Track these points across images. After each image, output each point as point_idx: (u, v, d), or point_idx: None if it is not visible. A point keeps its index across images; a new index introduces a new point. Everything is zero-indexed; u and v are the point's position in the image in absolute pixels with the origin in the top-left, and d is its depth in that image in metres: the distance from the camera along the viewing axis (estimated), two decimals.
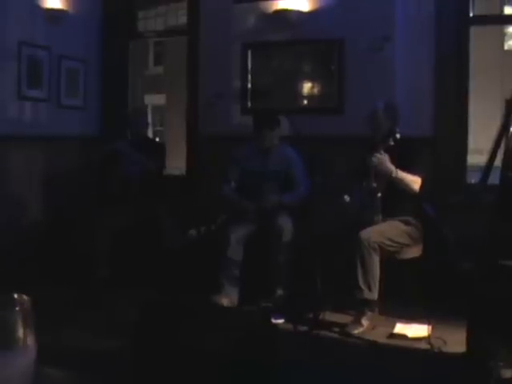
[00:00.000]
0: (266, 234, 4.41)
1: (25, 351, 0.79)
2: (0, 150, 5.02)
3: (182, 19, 6.21)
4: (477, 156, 5.77)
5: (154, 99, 18.85)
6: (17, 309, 0.80)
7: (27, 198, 5.36)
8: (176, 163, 6.31)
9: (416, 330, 3.79)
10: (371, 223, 3.99)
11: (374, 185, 4.00)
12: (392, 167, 3.92)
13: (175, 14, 6.71)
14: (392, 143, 3.97)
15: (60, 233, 5.36)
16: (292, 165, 4.57)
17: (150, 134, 5.84)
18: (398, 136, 3.94)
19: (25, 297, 0.80)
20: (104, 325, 3.95)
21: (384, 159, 3.92)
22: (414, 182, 3.97)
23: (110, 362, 3.27)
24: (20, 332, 0.79)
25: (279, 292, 4.33)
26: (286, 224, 4.35)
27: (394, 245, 4.00)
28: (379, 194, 3.99)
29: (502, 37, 17.11)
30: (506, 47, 17.35)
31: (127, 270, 4.70)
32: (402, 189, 3.98)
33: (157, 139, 8.79)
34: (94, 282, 4.63)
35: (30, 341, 0.80)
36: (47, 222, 5.48)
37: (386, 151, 3.95)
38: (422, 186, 4.00)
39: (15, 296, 0.81)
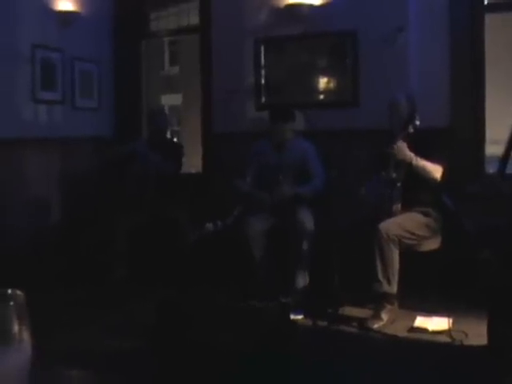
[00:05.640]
0: (285, 228, 4.39)
1: (20, 347, 0.77)
2: (16, 153, 5.05)
3: (194, 19, 6.20)
4: (494, 146, 5.69)
5: (170, 99, 18.88)
6: (11, 304, 0.78)
7: (44, 199, 5.38)
8: (193, 161, 6.32)
9: (436, 323, 3.75)
10: (390, 214, 3.94)
11: (394, 175, 3.96)
12: (411, 155, 3.88)
13: (187, 14, 6.69)
14: (412, 130, 3.93)
15: (77, 233, 5.38)
16: (307, 158, 4.55)
17: (168, 133, 5.83)
18: (417, 123, 3.90)
19: (19, 292, 0.79)
20: (122, 324, 3.97)
21: (403, 147, 3.88)
22: (435, 170, 3.92)
23: (128, 361, 3.29)
24: (15, 328, 0.78)
25: (299, 286, 4.31)
26: (306, 218, 4.34)
27: (414, 237, 3.96)
28: (399, 184, 3.95)
29: None
30: None
31: (145, 269, 4.71)
32: (422, 179, 3.93)
33: (175, 139, 8.78)
34: (112, 281, 4.65)
35: (26, 336, 0.78)
36: (64, 222, 5.50)
37: (406, 139, 3.91)
38: (443, 176, 3.95)
39: (9, 291, 0.79)
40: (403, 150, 3.88)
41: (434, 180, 3.94)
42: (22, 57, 5.10)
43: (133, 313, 4.13)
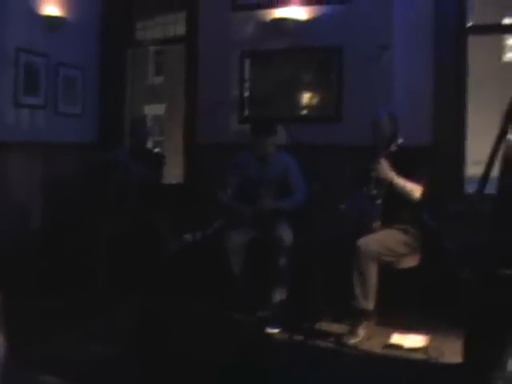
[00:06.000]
0: (265, 242, 4.38)
1: None
2: None
3: (181, 30, 6.21)
4: (475, 167, 5.74)
5: (154, 109, 18.86)
6: None
7: (25, 205, 5.34)
8: (175, 172, 6.30)
9: (413, 341, 3.75)
10: (370, 230, 3.96)
11: (375, 192, 3.98)
12: (392, 174, 3.90)
13: (174, 25, 6.71)
14: (394, 149, 3.95)
15: (59, 238, 5.33)
16: (289, 172, 4.54)
17: (149, 143, 5.83)
18: (400, 141, 3.93)
19: None
20: (104, 330, 3.93)
21: (384, 165, 3.90)
22: (415, 190, 3.94)
23: (110, 367, 3.25)
24: None
25: (277, 299, 4.29)
26: (285, 233, 4.33)
27: (392, 254, 3.97)
28: (379, 201, 3.97)
29: (501, 49, 17.13)
30: (504, 59, 17.36)
31: (127, 276, 4.68)
32: (402, 197, 3.95)
33: (156, 150, 8.77)
34: (94, 287, 4.62)
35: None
36: (45, 228, 5.45)
37: (388, 158, 3.93)
38: (423, 195, 3.98)
39: None
40: (385, 168, 3.91)
41: (413, 199, 3.96)
42: (6, 60, 5.06)
43: (114, 319, 4.11)
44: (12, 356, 0.81)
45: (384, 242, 3.93)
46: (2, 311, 0.70)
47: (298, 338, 3.88)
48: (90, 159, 5.51)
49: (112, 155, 5.07)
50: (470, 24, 4.78)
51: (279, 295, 4.31)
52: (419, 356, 3.57)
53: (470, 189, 4.76)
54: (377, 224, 3.98)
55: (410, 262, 4.05)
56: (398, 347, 3.70)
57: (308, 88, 5.24)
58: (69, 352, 3.49)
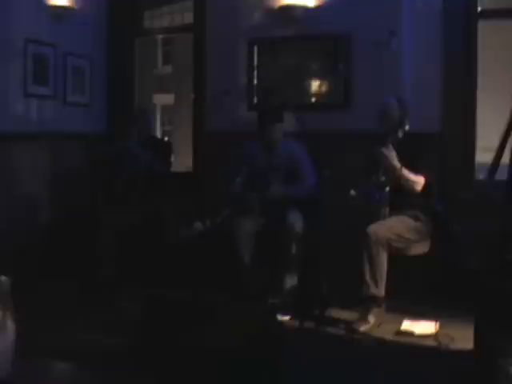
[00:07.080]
0: (275, 229, 4.38)
1: (3, 332, 0.76)
2: (5, 148, 5.01)
3: (189, 19, 6.19)
4: (486, 154, 5.71)
5: (163, 99, 18.88)
6: None
7: (32, 196, 5.34)
8: (185, 161, 6.32)
9: (423, 327, 3.76)
10: (379, 217, 3.95)
11: (383, 179, 3.97)
12: (397, 163, 3.88)
13: (181, 14, 6.71)
14: (401, 135, 3.93)
15: (65, 231, 5.35)
16: (297, 159, 4.54)
17: (157, 133, 5.84)
18: (407, 128, 3.90)
19: (3, 277, 0.77)
20: (109, 322, 3.94)
21: (392, 155, 3.88)
22: (417, 182, 3.93)
23: (115, 359, 3.25)
24: None
25: (287, 287, 4.30)
26: (296, 220, 4.33)
27: (402, 240, 3.96)
28: (388, 188, 3.96)
29: None
30: None
31: (132, 268, 4.69)
32: (404, 187, 3.95)
33: (166, 139, 8.79)
34: (99, 281, 4.62)
35: (10, 322, 0.77)
36: (52, 219, 5.47)
37: (395, 145, 3.91)
38: (426, 183, 3.96)
39: None
40: (391, 158, 3.89)
41: (413, 191, 3.95)
42: (15, 51, 5.06)
43: (121, 309, 4.13)
44: (18, 343, 0.82)
45: (394, 228, 3.93)
46: (10, 296, 0.70)
47: (309, 325, 3.90)
48: (97, 149, 5.51)
49: (121, 144, 5.08)
50: (480, 9, 4.73)
51: (289, 282, 4.32)
52: (430, 342, 3.58)
53: (480, 175, 4.74)
54: (385, 211, 3.98)
55: (420, 248, 4.04)
56: (409, 334, 3.71)
57: (317, 75, 5.21)
58: (73, 342, 3.52)
